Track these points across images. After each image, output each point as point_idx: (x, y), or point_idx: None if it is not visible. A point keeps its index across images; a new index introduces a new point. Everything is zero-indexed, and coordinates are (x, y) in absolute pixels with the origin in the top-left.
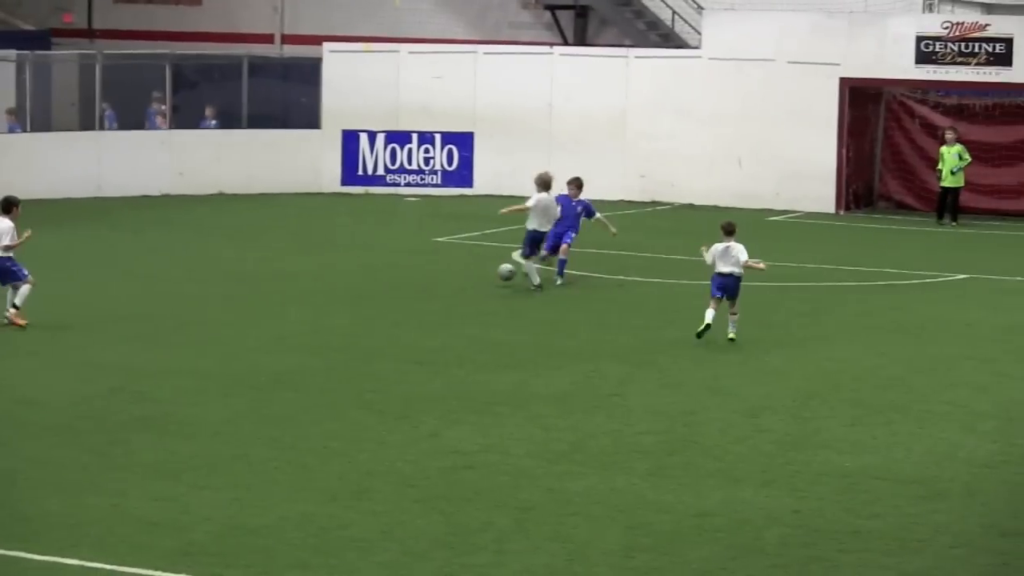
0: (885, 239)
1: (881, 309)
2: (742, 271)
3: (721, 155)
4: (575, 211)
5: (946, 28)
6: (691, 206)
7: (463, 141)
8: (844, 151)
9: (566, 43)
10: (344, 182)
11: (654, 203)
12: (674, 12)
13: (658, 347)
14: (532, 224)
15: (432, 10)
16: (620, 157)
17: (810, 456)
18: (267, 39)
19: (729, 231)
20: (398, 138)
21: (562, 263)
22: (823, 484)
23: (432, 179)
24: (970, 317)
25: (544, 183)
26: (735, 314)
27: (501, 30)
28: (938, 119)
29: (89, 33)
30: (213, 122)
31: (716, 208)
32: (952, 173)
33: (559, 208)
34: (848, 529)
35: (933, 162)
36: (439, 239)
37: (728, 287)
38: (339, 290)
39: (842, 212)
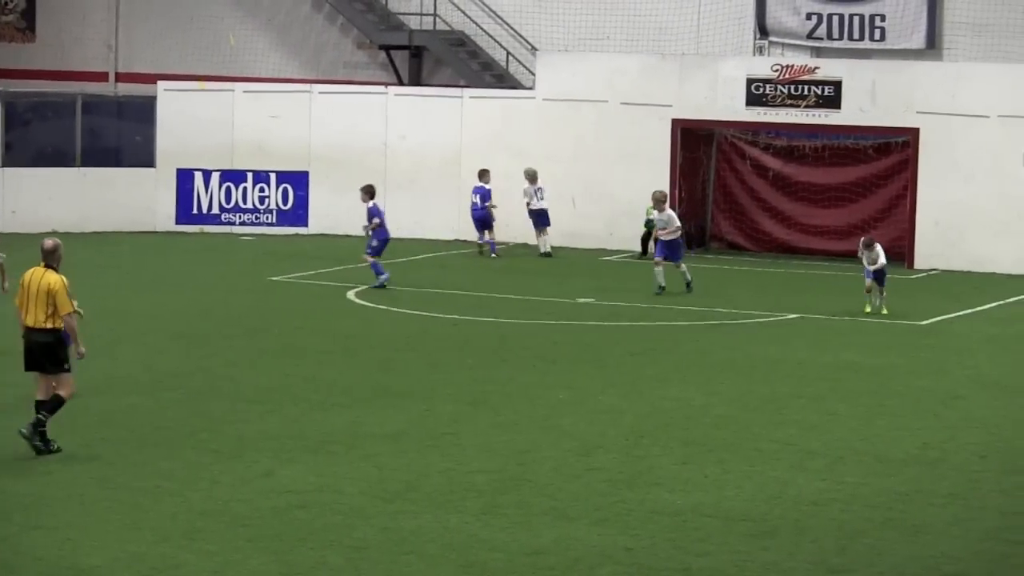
0: (717, 279)
1: (713, 348)
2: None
3: (555, 195)
4: None
5: (776, 71)
6: (525, 246)
7: (298, 180)
8: (677, 192)
9: (401, 83)
10: (179, 221)
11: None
12: (508, 53)
13: (491, 386)
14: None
15: (267, 49)
16: (455, 196)
17: (642, 494)
18: (101, 77)
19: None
20: (233, 177)
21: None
22: (655, 522)
23: (267, 218)
24: (800, 356)
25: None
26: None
27: (336, 70)
28: (769, 160)
29: None
30: None
31: (552, 247)
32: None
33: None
34: (679, 567)
35: (764, 203)
36: (274, 278)
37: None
38: (172, 329)
39: None
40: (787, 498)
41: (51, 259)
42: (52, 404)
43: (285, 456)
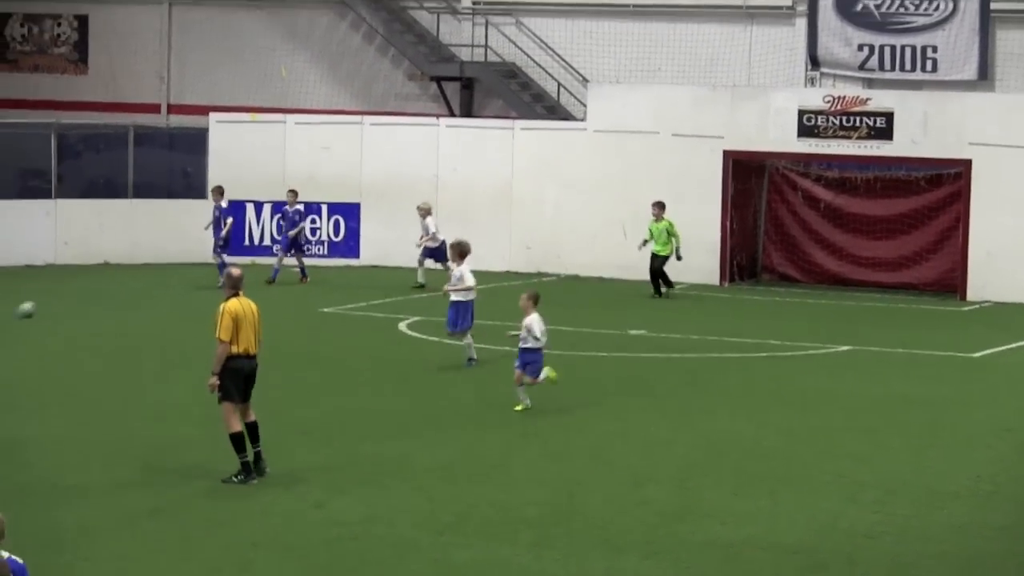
0: (768, 311)
1: (763, 380)
2: None
3: (605, 227)
4: None
5: (828, 102)
6: (576, 277)
7: (349, 212)
8: (728, 223)
9: (452, 114)
10: (230, 252)
11: (540, 274)
12: (559, 84)
13: (542, 417)
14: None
15: (318, 81)
16: (506, 228)
17: (693, 526)
18: (153, 108)
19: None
20: (285, 208)
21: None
22: (706, 554)
23: (318, 249)
24: (852, 388)
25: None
26: None
27: (387, 101)
28: (820, 192)
29: None
30: None
31: (600, 279)
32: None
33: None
34: None
35: (815, 235)
36: (325, 310)
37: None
38: None
39: (726, 284)
40: (839, 530)
41: (241, 286)
42: (256, 432)
43: (336, 488)
